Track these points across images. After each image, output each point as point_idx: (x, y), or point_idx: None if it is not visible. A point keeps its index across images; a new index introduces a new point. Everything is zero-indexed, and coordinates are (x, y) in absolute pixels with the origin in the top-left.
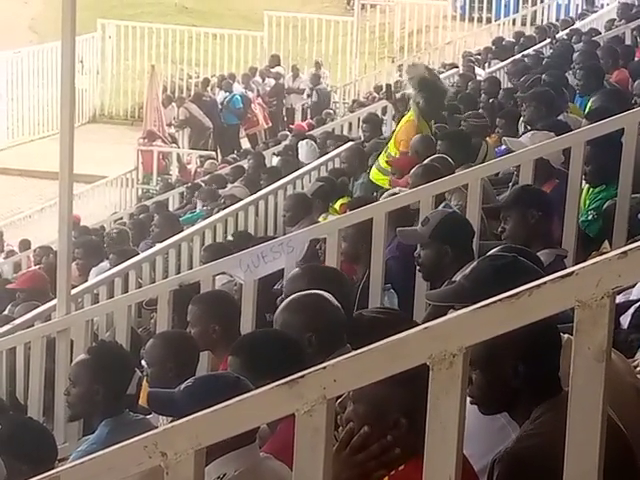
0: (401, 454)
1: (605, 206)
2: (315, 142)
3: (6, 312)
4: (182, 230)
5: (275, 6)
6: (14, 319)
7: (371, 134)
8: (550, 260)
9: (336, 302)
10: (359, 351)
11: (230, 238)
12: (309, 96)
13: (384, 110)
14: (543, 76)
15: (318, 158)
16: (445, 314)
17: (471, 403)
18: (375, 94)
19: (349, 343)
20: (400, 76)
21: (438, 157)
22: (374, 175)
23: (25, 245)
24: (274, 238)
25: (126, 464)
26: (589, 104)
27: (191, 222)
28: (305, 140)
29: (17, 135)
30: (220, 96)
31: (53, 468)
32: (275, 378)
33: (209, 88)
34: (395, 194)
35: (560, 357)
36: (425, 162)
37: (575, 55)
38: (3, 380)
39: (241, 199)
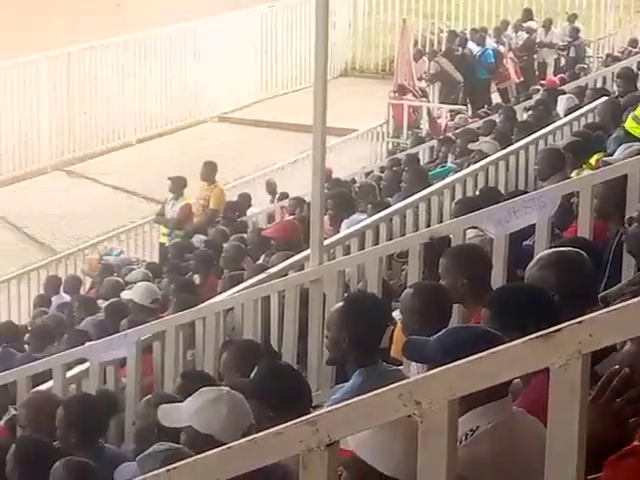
0: None
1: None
2: None
3: (260, 261)
4: (430, 184)
5: None
6: (268, 268)
7: (625, 89)
8: None
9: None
10: (616, 306)
11: (477, 193)
12: (563, 49)
13: (639, 65)
14: None
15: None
16: None
17: None
18: (630, 48)
19: None
20: None
21: None
22: (629, 124)
23: (283, 196)
24: (525, 193)
25: (382, 411)
26: None
27: (441, 176)
28: (566, 95)
29: (270, 88)
30: (472, 50)
31: (308, 414)
32: (525, 332)
33: (456, 41)
34: None
35: None
36: None
37: None
38: (258, 328)
39: (489, 155)
